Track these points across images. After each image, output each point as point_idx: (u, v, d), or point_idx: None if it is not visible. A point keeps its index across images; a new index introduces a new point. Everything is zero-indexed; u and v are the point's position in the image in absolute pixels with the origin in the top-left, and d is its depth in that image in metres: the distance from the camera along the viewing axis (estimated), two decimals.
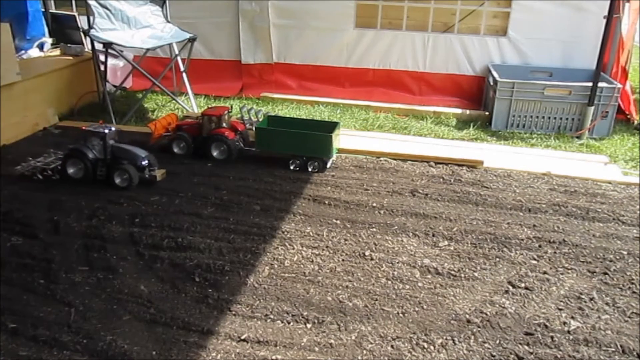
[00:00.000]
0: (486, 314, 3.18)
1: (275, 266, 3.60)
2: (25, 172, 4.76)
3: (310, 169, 5.04)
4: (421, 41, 7.15)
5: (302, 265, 3.62)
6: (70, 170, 4.72)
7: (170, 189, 4.64)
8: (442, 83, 7.25)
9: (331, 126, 5.21)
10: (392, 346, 2.92)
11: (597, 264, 3.72)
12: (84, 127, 4.78)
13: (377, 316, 3.15)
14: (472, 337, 3.00)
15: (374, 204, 4.45)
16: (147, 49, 6.50)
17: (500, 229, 4.14)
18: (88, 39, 6.35)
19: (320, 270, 3.57)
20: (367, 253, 3.77)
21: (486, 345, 2.95)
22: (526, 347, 2.93)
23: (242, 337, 2.96)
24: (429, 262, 3.68)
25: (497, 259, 3.74)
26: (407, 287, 3.42)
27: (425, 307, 3.24)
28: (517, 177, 5.06)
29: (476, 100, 7.13)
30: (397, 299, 3.30)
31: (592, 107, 6.01)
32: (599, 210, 4.44)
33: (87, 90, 6.79)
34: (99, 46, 6.32)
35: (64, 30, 7.14)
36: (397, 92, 7.33)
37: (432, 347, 2.92)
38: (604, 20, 5.78)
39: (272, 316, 3.13)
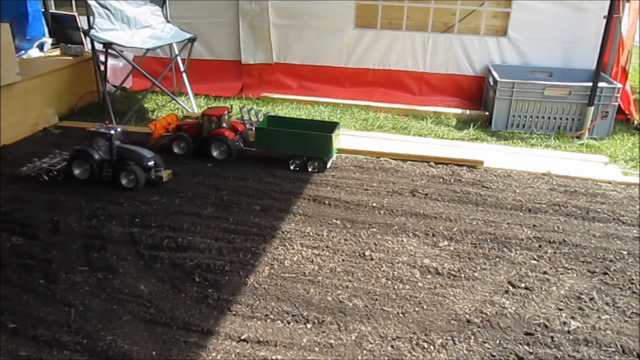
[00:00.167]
0: (486, 314, 3.18)
1: (275, 266, 3.60)
2: (31, 173, 4.76)
3: (310, 169, 5.04)
4: (421, 41, 7.15)
5: (302, 266, 3.62)
6: (76, 171, 4.70)
7: (170, 189, 4.64)
8: (442, 83, 7.25)
9: (331, 126, 5.22)
10: (392, 346, 2.92)
11: (597, 264, 3.72)
12: (89, 128, 4.76)
13: (377, 316, 3.15)
14: (472, 337, 3.00)
15: (374, 204, 4.45)
16: (147, 49, 6.50)
17: (500, 229, 4.14)
18: (88, 39, 6.35)
19: (320, 270, 3.57)
20: (367, 253, 3.77)
21: (486, 345, 2.95)
22: (526, 347, 2.93)
23: (242, 337, 2.96)
24: (429, 262, 3.68)
25: (497, 259, 3.74)
26: (407, 287, 3.42)
27: (425, 307, 3.24)
28: (517, 177, 5.06)
29: (476, 100, 7.13)
30: (397, 299, 3.30)
31: (592, 107, 6.01)
32: (599, 210, 4.44)
33: (87, 90, 6.79)
34: (99, 46, 6.32)
35: (64, 31, 7.14)
36: (397, 92, 7.33)
37: (432, 347, 2.92)
38: (604, 20, 5.78)
39: (272, 316, 3.13)
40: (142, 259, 3.66)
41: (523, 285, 3.46)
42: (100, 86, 6.72)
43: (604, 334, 3.05)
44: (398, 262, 3.67)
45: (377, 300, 3.29)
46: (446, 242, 3.95)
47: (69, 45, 6.99)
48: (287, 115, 6.59)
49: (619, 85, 6.06)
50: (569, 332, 3.06)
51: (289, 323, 3.08)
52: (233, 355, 2.84)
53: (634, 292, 3.42)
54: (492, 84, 6.51)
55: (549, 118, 6.23)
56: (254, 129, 5.36)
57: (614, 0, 5.68)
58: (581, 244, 3.94)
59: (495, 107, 6.30)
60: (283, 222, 4.15)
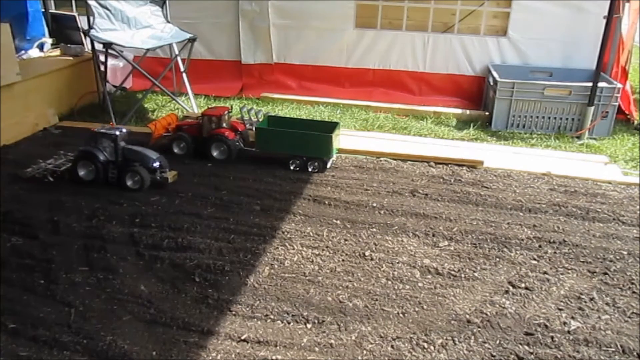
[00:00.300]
0: (486, 314, 3.18)
1: (276, 266, 3.60)
2: (35, 174, 4.74)
3: (310, 169, 5.04)
4: (421, 41, 7.15)
5: (302, 266, 3.62)
6: (81, 172, 4.67)
7: (170, 189, 4.64)
8: (442, 83, 7.25)
9: (331, 126, 5.21)
10: (392, 346, 2.92)
11: (597, 264, 3.72)
12: (94, 129, 4.74)
13: (377, 316, 3.15)
14: (472, 337, 3.00)
15: (374, 204, 4.45)
16: (147, 49, 6.50)
17: (500, 229, 4.14)
18: (88, 39, 6.35)
19: (320, 271, 3.57)
20: (367, 253, 3.77)
21: (486, 345, 2.95)
22: (526, 347, 2.93)
23: (242, 337, 2.96)
24: (429, 262, 3.68)
25: (497, 259, 3.74)
26: (407, 287, 3.42)
27: (425, 307, 3.24)
28: (517, 177, 5.06)
29: (476, 100, 7.13)
30: (397, 299, 3.30)
31: (592, 107, 6.01)
32: (599, 210, 4.44)
33: (87, 90, 6.79)
34: (99, 46, 6.33)
35: (64, 31, 7.14)
36: (397, 92, 7.33)
37: (432, 347, 2.92)
38: (604, 20, 5.78)
39: (272, 316, 3.13)
40: (142, 259, 3.66)
41: (523, 285, 3.46)
42: (100, 86, 6.72)
43: (604, 334, 3.05)
44: (398, 262, 3.67)
45: (377, 300, 3.29)
46: (446, 242, 3.95)
47: (69, 45, 7.00)
48: (287, 116, 6.59)
49: (619, 85, 6.06)
50: (569, 332, 3.06)
51: (289, 323, 3.08)
52: (233, 356, 2.84)
53: (634, 292, 3.42)
54: (492, 84, 6.51)
55: (549, 118, 6.24)
56: (254, 129, 5.36)
57: (614, 0, 5.68)
58: (581, 244, 3.94)
59: (495, 107, 6.30)
60: (283, 222, 4.15)
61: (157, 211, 4.29)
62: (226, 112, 5.39)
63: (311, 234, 4.00)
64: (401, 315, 3.16)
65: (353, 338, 2.97)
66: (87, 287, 3.36)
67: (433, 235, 4.02)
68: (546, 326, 3.09)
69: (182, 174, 4.93)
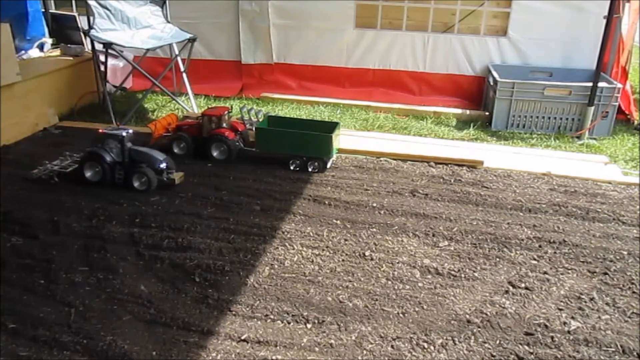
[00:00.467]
0: (486, 314, 3.18)
1: (276, 266, 3.60)
2: (42, 175, 4.73)
3: (310, 169, 5.04)
4: (421, 41, 7.15)
5: (302, 266, 3.62)
6: (88, 174, 4.66)
7: (169, 189, 4.64)
8: (442, 83, 7.25)
9: (331, 126, 5.21)
10: (392, 346, 2.92)
11: (597, 264, 3.72)
12: (101, 130, 4.72)
13: (377, 316, 3.15)
14: (472, 337, 3.00)
15: (374, 204, 4.45)
16: (147, 49, 6.50)
17: (500, 229, 4.14)
18: (88, 39, 6.35)
19: (320, 271, 3.57)
20: (367, 253, 3.77)
21: (486, 345, 2.95)
22: (526, 347, 2.93)
23: (242, 337, 2.96)
24: (429, 262, 3.68)
25: (497, 259, 3.74)
26: (407, 287, 3.42)
27: (425, 307, 3.24)
28: (517, 177, 5.06)
29: (476, 100, 7.13)
30: (397, 299, 3.30)
31: (592, 107, 6.01)
32: (599, 210, 4.44)
33: (87, 90, 6.79)
34: (99, 46, 6.32)
35: (64, 31, 7.14)
36: (397, 92, 7.33)
37: (432, 347, 2.92)
38: (604, 20, 5.78)
39: (272, 316, 3.13)
40: (142, 259, 3.66)
41: (523, 285, 3.46)
42: (100, 86, 6.72)
43: (604, 334, 3.05)
44: (398, 262, 3.67)
45: (377, 300, 3.29)
46: (446, 242, 3.95)
47: (69, 45, 7.00)
48: (287, 116, 6.59)
49: (619, 85, 6.06)
50: (569, 332, 3.06)
51: (289, 323, 3.08)
52: (233, 356, 2.84)
53: (634, 292, 3.42)
54: (492, 84, 6.51)
55: (549, 118, 6.24)
56: (254, 129, 5.36)
57: (614, 0, 5.68)
58: (581, 244, 3.94)
59: (495, 107, 6.30)
60: (283, 222, 4.15)
61: (157, 211, 4.29)
62: (226, 112, 5.39)
63: (311, 234, 4.00)
64: (401, 315, 3.16)
65: (353, 338, 2.97)
66: (87, 287, 3.36)
67: (433, 235, 4.02)
68: (546, 326, 3.09)
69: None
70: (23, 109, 5.84)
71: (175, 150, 5.36)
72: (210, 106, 6.47)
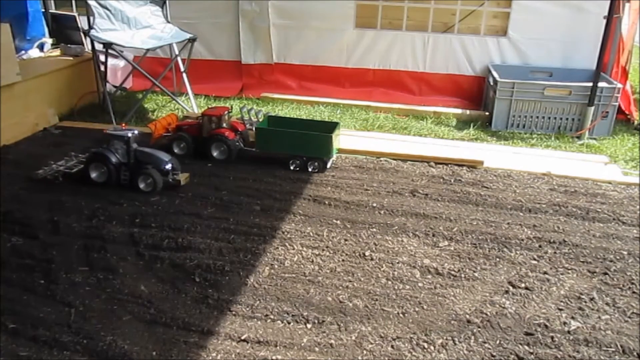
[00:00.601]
0: (486, 314, 3.18)
1: (276, 266, 3.60)
2: (47, 175, 4.73)
3: (310, 169, 5.04)
4: (421, 41, 7.15)
5: (302, 266, 3.62)
6: (93, 175, 4.65)
7: (170, 189, 4.63)
8: (442, 83, 7.25)
9: (331, 126, 5.21)
10: (392, 346, 2.92)
11: (597, 264, 3.72)
12: (106, 131, 4.71)
13: (377, 316, 3.15)
14: (473, 337, 3.00)
15: (374, 204, 4.45)
16: (147, 50, 6.50)
17: (500, 229, 4.14)
18: (88, 39, 6.35)
19: (320, 271, 3.57)
20: (367, 253, 3.76)
21: (486, 345, 2.95)
22: (526, 347, 2.93)
23: (242, 338, 2.96)
24: (429, 262, 3.68)
25: (497, 259, 3.74)
26: (407, 287, 3.42)
27: (425, 307, 3.24)
28: (517, 177, 5.06)
29: (476, 100, 7.13)
30: (397, 299, 3.30)
31: (592, 107, 6.01)
32: (599, 210, 4.44)
33: (87, 90, 6.79)
34: (99, 46, 6.32)
35: (64, 31, 7.14)
36: (397, 92, 7.33)
37: (432, 347, 2.92)
38: (604, 20, 5.78)
39: (272, 316, 3.13)
40: (142, 259, 3.66)
41: (523, 285, 3.46)
42: (100, 86, 6.72)
43: (604, 334, 3.05)
44: (398, 262, 3.67)
45: (377, 300, 3.29)
46: (446, 242, 3.95)
47: (69, 45, 7.00)
48: (287, 116, 6.59)
49: (619, 85, 6.06)
50: (569, 332, 3.06)
51: (289, 323, 3.08)
52: (233, 356, 2.84)
53: (634, 292, 3.42)
54: (492, 84, 6.51)
55: (549, 118, 6.24)
56: (254, 129, 5.36)
57: (614, 0, 5.68)
58: (581, 244, 3.94)
59: (495, 107, 6.30)
60: (283, 222, 4.15)
61: (157, 211, 4.29)
62: (226, 112, 5.39)
63: (311, 234, 4.00)
64: (401, 315, 3.16)
65: (353, 338, 2.97)
66: (87, 287, 3.36)
67: (433, 235, 4.02)
68: (546, 326, 3.09)
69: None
70: (23, 109, 5.84)
71: (175, 150, 5.36)
72: (210, 106, 6.47)
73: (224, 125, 5.35)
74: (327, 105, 7.05)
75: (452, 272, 3.57)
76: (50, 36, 7.48)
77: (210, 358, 2.82)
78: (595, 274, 3.60)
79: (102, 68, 6.47)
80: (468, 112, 6.81)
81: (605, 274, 3.60)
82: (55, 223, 4.06)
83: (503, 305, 3.26)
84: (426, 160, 5.37)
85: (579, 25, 6.60)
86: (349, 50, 7.34)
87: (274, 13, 7.27)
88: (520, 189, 4.80)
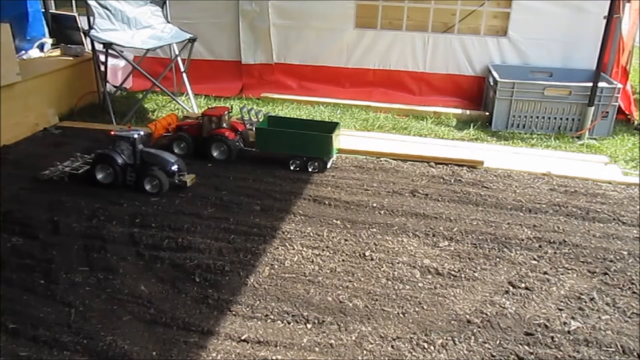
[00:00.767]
0: (486, 314, 3.18)
1: (276, 266, 3.60)
2: (53, 176, 4.72)
3: (310, 169, 5.04)
4: (421, 41, 7.15)
5: (302, 266, 3.62)
6: (99, 176, 4.64)
7: (171, 189, 4.63)
8: (442, 83, 7.26)
9: (331, 126, 5.21)
10: (392, 346, 2.92)
11: (598, 264, 3.72)
12: (113, 132, 4.71)
13: (378, 316, 3.15)
14: (473, 337, 3.00)
15: (374, 204, 4.45)
16: (147, 50, 6.51)
17: (500, 229, 4.14)
18: (88, 39, 6.35)
19: (320, 271, 3.56)
20: (367, 253, 3.76)
21: (486, 345, 2.95)
22: (526, 347, 2.93)
23: (243, 338, 2.96)
24: (429, 262, 3.68)
25: (498, 259, 3.74)
26: (408, 287, 3.42)
27: (425, 307, 3.24)
28: (517, 177, 5.06)
29: (476, 100, 7.13)
30: (398, 299, 3.30)
31: (592, 107, 6.01)
32: (599, 210, 4.44)
33: (87, 90, 6.80)
34: (99, 46, 6.33)
35: (64, 31, 7.14)
36: (397, 92, 7.33)
37: (432, 348, 2.92)
38: (604, 20, 5.78)
39: (272, 316, 3.13)
40: (142, 259, 3.66)
41: (523, 285, 3.46)
42: (101, 86, 6.72)
43: (604, 334, 3.05)
44: (398, 263, 3.67)
45: (377, 300, 3.28)
46: (446, 243, 3.95)
47: (69, 45, 7.00)
48: (287, 116, 6.59)
49: (619, 85, 6.06)
50: (569, 332, 3.05)
51: (289, 323, 3.08)
52: (233, 356, 2.84)
53: (634, 292, 3.42)
54: (492, 84, 6.51)
55: (549, 118, 6.24)
56: (254, 129, 5.36)
57: (614, 0, 5.68)
58: (581, 244, 3.94)
59: (495, 107, 6.30)
60: (283, 222, 4.15)
61: (157, 211, 4.29)
62: (226, 112, 5.39)
63: (311, 234, 4.00)
64: (401, 315, 3.16)
65: (353, 338, 2.97)
66: (87, 287, 3.36)
67: (433, 236, 4.02)
68: (546, 326, 3.09)
69: None
70: (23, 109, 5.84)
71: (176, 150, 5.36)
72: (210, 106, 6.47)
73: (224, 125, 5.35)
74: (327, 105, 7.05)
75: (452, 272, 3.57)
76: (50, 36, 7.48)
77: (210, 358, 2.82)
78: (595, 274, 3.60)
79: (102, 68, 6.47)
80: (468, 112, 6.81)
81: (606, 274, 3.60)
82: (55, 223, 4.06)
83: (503, 306, 3.26)
84: (426, 160, 5.36)
85: (579, 25, 6.60)
86: (349, 50, 7.34)
87: (274, 13, 7.27)
88: (520, 189, 4.80)
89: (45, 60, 6.90)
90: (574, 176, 5.07)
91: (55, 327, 3.01)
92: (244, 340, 2.94)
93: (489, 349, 2.92)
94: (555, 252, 3.84)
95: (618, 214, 4.39)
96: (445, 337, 2.99)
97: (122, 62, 7.09)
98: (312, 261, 3.67)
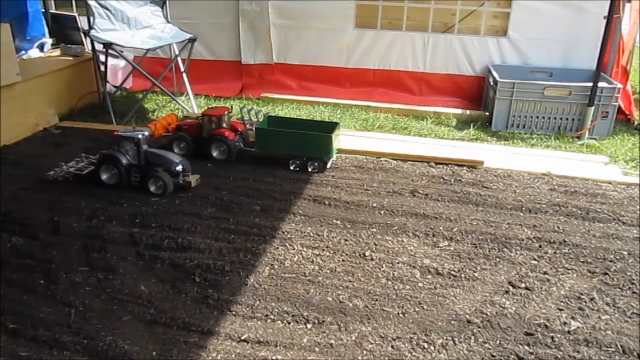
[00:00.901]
0: (486, 314, 3.18)
1: (276, 266, 3.60)
2: (58, 177, 4.72)
3: (310, 170, 5.04)
4: (421, 41, 7.15)
5: (302, 266, 3.62)
6: (104, 176, 4.63)
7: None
8: (442, 83, 7.26)
9: (331, 126, 5.21)
10: (392, 346, 2.92)
11: (598, 264, 3.72)
12: (117, 132, 4.70)
13: (378, 316, 3.15)
14: (473, 337, 3.00)
15: (374, 204, 4.45)
16: (147, 50, 6.51)
17: (500, 229, 4.14)
18: (88, 39, 6.35)
19: (320, 271, 3.57)
20: (367, 253, 3.76)
21: (486, 345, 2.95)
22: (526, 348, 2.93)
23: (243, 338, 2.96)
24: (429, 262, 3.68)
25: (498, 259, 3.74)
26: (408, 287, 3.42)
27: (425, 307, 3.24)
28: (517, 177, 5.06)
29: (476, 100, 7.13)
30: (398, 299, 3.30)
31: (592, 107, 6.01)
32: (599, 210, 4.44)
33: (87, 90, 6.80)
34: (99, 46, 6.33)
35: (64, 31, 7.14)
36: (397, 92, 7.33)
37: (432, 348, 2.92)
38: (604, 21, 5.78)
39: (272, 316, 3.13)
40: (142, 259, 3.66)
41: (523, 285, 3.46)
42: (101, 86, 6.73)
43: (604, 334, 3.05)
44: (398, 263, 3.67)
45: (377, 300, 3.29)
46: (446, 243, 3.95)
47: (69, 45, 7.00)
48: (287, 116, 6.59)
49: (619, 85, 6.06)
50: (569, 332, 3.05)
51: (289, 323, 3.08)
52: (233, 356, 2.84)
53: (634, 292, 3.42)
54: (492, 84, 6.51)
55: (549, 118, 6.24)
56: (254, 129, 5.36)
57: (614, 1, 5.68)
58: (581, 244, 3.94)
59: (495, 107, 6.30)
60: (283, 222, 4.15)
61: (157, 211, 4.29)
62: (226, 112, 5.39)
63: (311, 234, 4.00)
64: (401, 315, 3.16)
65: (353, 338, 2.97)
66: (87, 287, 3.36)
67: (433, 236, 4.02)
68: (546, 326, 3.09)
69: None
70: (23, 109, 5.84)
71: (175, 150, 5.35)
72: (210, 106, 6.47)
73: (224, 125, 5.35)
74: (327, 106, 7.05)
75: (452, 272, 3.57)
76: (50, 36, 7.48)
77: (211, 358, 2.82)
78: (595, 274, 3.60)
79: (102, 68, 6.47)
80: (468, 112, 6.81)
81: (606, 274, 3.60)
82: (55, 223, 4.06)
83: (503, 306, 3.26)
84: (426, 160, 5.36)
85: (579, 25, 6.60)
86: (349, 50, 7.34)
87: (274, 13, 7.27)
88: (520, 189, 4.80)
89: (45, 60, 6.90)
90: (574, 176, 5.07)
91: (55, 327, 3.01)
92: (244, 340, 2.94)
93: (489, 349, 2.92)
94: (555, 252, 3.84)
95: (618, 214, 4.39)
96: (445, 337, 2.99)
97: (122, 62, 7.09)
98: (312, 261, 3.67)
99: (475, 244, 3.92)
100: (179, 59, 6.85)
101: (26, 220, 4.09)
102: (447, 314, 3.18)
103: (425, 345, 2.93)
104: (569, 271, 3.63)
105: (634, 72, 7.94)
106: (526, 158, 5.53)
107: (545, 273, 3.59)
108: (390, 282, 3.46)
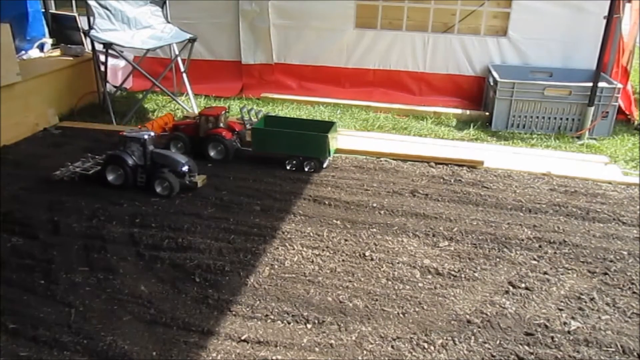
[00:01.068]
0: (486, 314, 3.18)
1: (276, 266, 3.60)
2: (64, 177, 4.72)
3: (306, 169, 5.04)
4: (421, 41, 7.15)
5: (302, 266, 3.61)
6: (110, 177, 4.63)
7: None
8: (442, 83, 7.26)
9: (327, 126, 5.20)
10: (392, 346, 2.92)
11: (598, 264, 3.72)
12: (123, 133, 4.69)
13: (378, 316, 3.15)
14: (473, 337, 3.00)
15: (374, 205, 4.45)
16: (147, 50, 6.51)
17: (500, 229, 4.13)
18: (88, 39, 6.36)
19: (320, 271, 3.56)
20: (367, 253, 3.76)
21: (486, 345, 2.95)
22: (526, 348, 2.93)
23: (243, 338, 2.96)
24: (429, 262, 3.68)
25: (498, 259, 3.74)
26: (408, 287, 3.42)
27: (425, 307, 3.24)
28: (517, 177, 5.06)
29: (476, 100, 7.13)
30: (398, 300, 3.29)
31: (592, 108, 6.01)
32: (599, 210, 4.44)
33: (87, 90, 6.80)
34: (99, 47, 6.33)
35: (64, 31, 7.15)
36: (397, 92, 7.33)
37: (432, 348, 2.92)
38: (604, 21, 5.78)
39: (272, 316, 3.13)
40: (142, 259, 3.66)
41: (523, 285, 3.46)
42: (101, 86, 6.73)
43: (604, 334, 3.05)
44: (398, 263, 3.67)
45: (377, 300, 3.28)
46: (446, 243, 3.94)
47: (69, 45, 7.00)
48: (287, 116, 6.59)
49: (619, 85, 6.06)
50: (569, 332, 3.05)
51: (289, 323, 3.08)
52: (233, 356, 2.84)
53: (634, 292, 3.42)
54: (492, 84, 6.51)
55: (549, 118, 6.24)
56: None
57: (614, 1, 5.68)
58: (581, 244, 3.94)
59: (495, 107, 6.30)
60: (283, 222, 4.15)
61: (157, 211, 4.28)
62: (223, 112, 5.38)
63: (311, 234, 4.00)
64: (401, 315, 3.16)
65: (353, 338, 2.97)
66: (87, 288, 3.36)
67: (433, 236, 4.02)
68: (546, 326, 3.09)
69: None
70: (23, 109, 5.84)
71: (173, 150, 5.35)
72: (208, 106, 6.47)
73: (221, 125, 5.34)
74: (327, 106, 7.05)
75: (452, 272, 3.57)
76: (50, 36, 7.48)
77: (211, 358, 2.82)
78: (595, 274, 3.60)
79: (102, 68, 6.47)
80: (468, 112, 6.81)
81: (605, 274, 3.60)
82: (55, 223, 4.06)
83: (503, 306, 3.26)
84: (426, 160, 5.36)
85: (579, 25, 6.60)
86: (349, 51, 7.34)
87: (274, 13, 7.27)
88: (520, 189, 4.80)
89: (45, 60, 6.90)
90: (574, 176, 5.07)
91: (55, 327, 3.01)
92: (244, 340, 2.94)
93: (489, 349, 2.92)
94: (555, 252, 3.84)
95: (618, 214, 4.39)
96: (445, 337, 2.99)
97: (122, 62, 7.09)
98: (312, 261, 3.67)
99: (475, 244, 3.92)
100: (179, 59, 6.85)
101: (26, 220, 4.09)
102: (447, 314, 3.18)
103: (425, 345, 2.93)
104: (569, 271, 3.63)
105: (634, 72, 7.93)
106: (526, 158, 5.53)
107: (545, 273, 3.59)
108: (390, 282, 3.46)
